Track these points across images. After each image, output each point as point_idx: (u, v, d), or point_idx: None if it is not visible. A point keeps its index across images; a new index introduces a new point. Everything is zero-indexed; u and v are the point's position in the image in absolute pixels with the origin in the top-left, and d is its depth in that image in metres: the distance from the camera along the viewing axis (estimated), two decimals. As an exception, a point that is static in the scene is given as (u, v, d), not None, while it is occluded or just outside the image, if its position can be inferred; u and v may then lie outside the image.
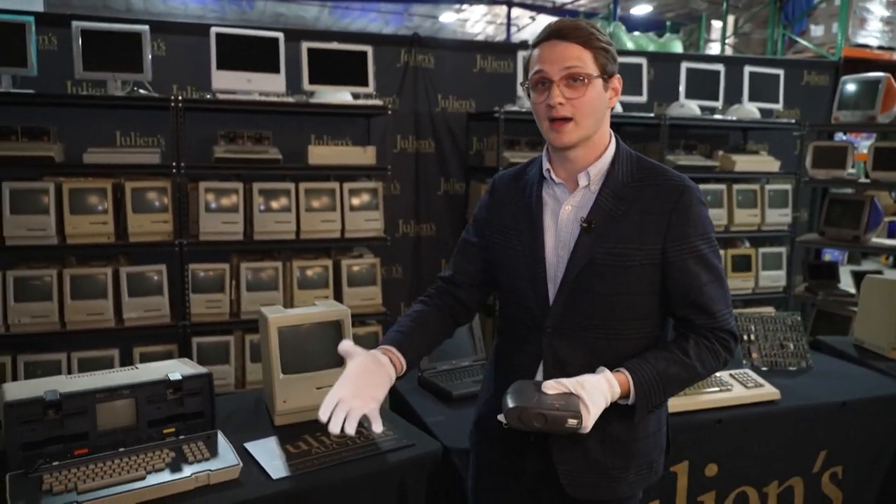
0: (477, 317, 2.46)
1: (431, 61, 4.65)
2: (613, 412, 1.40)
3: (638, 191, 1.44)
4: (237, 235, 3.78)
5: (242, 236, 3.80)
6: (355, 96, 4.02)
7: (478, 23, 15.91)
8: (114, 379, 1.73)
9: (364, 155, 4.00)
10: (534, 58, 1.43)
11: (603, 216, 1.43)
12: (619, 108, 4.50)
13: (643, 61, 4.63)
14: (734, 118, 4.83)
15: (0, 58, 3.40)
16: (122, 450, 1.65)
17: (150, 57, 3.60)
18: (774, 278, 5.01)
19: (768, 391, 2.27)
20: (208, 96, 3.81)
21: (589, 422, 1.31)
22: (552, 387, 1.33)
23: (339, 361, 1.96)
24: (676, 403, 2.14)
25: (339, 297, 3.95)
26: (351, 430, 1.35)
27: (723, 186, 4.82)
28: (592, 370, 1.41)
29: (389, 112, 4.09)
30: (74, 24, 3.49)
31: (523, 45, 5.21)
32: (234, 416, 2.01)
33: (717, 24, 9.73)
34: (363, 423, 1.40)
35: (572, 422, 1.29)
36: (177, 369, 1.80)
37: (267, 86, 3.77)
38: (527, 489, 1.56)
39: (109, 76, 3.56)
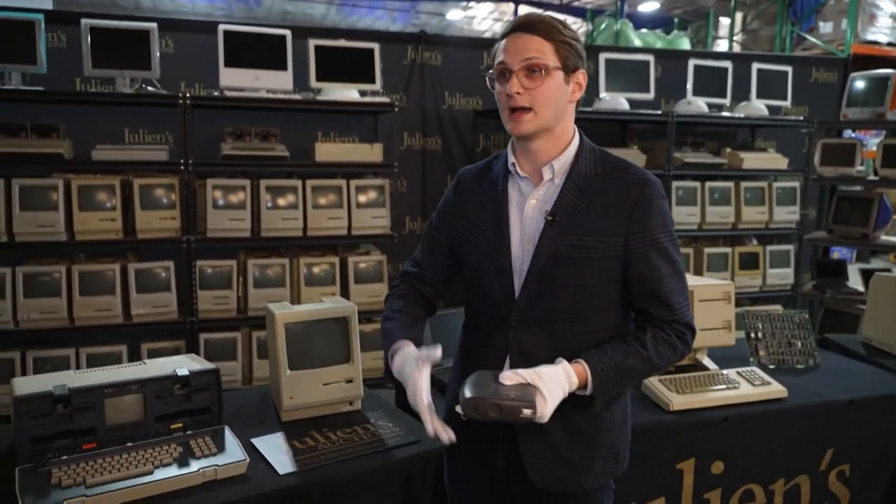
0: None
1: (438, 58, 4.65)
2: (577, 405, 1.42)
3: (601, 184, 1.46)
4: (244, 232, 3.79)
5: (250, 233, 3.81)
6: (362, 93, 4.02)
7: (485, 20, 15.88)
8: (122, 374, 1.74)
9: (371, 152, 4.01)
10: (498, 49, 1.46)
11: (567, 209, 1.45)
12: (625, 105, 4.50)
13: (650, 58, 4.62)
14: (742, 115, 4.82)
15: (10, 55, 3.43)
16: (129, 444, 1.66)
17: (158, 54, 3.62)
18: (782, 276, 4.99)
19: (775, 389, 2.26)
20: (216, 93, 3.82)
21: (546, 412, 1.32)
22: (509, 377, 1.35)
23: (346, 358, 1.98)
24: (683, 401, 2.14)
25: (345, 293, 3.96)
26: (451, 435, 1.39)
27: (730, 184, 4.80)
28: None
29: (396, 109, 4.10)
30: (83, 21, 3.52)
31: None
32: (241, 412, 2.01)
33: (724, 21, 9.68)
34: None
35: (527, 412, 1.31)
36: (184, 365, 1.81)
37: (274, 83, 3.78)
38: (499, 483, 1.57)
39: (118, 73, 3.59)
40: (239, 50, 3.71)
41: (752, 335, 2.66)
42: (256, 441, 1.81)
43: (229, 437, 1.73)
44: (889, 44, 6.42)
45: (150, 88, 3.68)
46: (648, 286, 1.46)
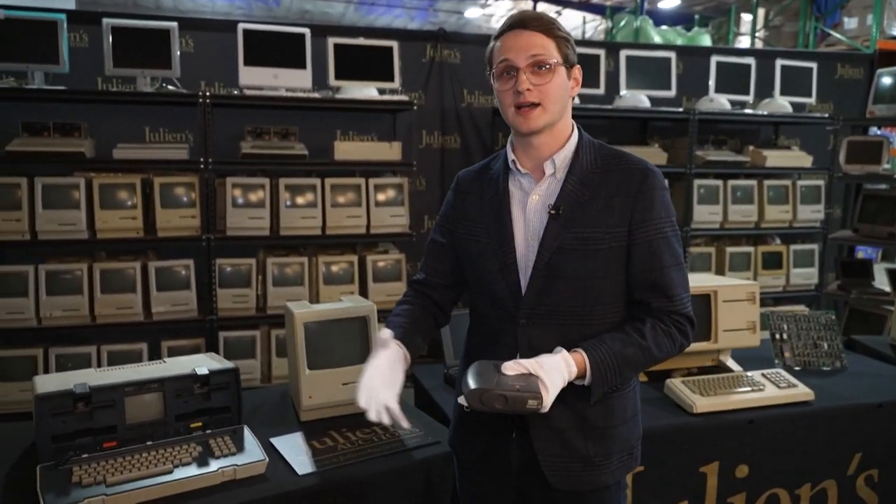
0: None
1: (457, 56, 4.63)
2: (582, 396, 1.42)
3: (603, 176, 1.47)
4: (264, 231, 3.80)
5: (269, 232, 3.82)
6: (381, 92, 4.01)
7: (503, 18, 15.82)
8: (142, 372, 1.75)
9: (390, 150, 4.00)
10: (497, 48, 1.46)
11: (570, 202, 1.45)
12: (646, 103, 4.45)
13: (672, 55, 4.56)
14: (765, 112, 4.74)
15: (33, 55, 3.47)
16: (149, 443, 1.66)
17: (178, 53, 3.64)
18: (806, 276, 4.91)
19: (801, 391, 2.22)
20: (235, 92, 3.84)
21: (547, 401, 1.32)
22: (512, 367, 1.34)
23: (365, 357, 1.97)
24: (707, 403, 2.10)
25: (364, 292, 3.96)
26: (387, 420, 1.40)
27: (753, 182, 4.73)
28: None
29: (415, 107, 4.09)
30: (105, 21, 3.54)
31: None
32: (260, 411, 2.01)
33: (746, 18, 9.57)
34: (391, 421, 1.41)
35: (532, 402, 1.30)
36: (204, 364, 1.81)
37: (293, 81, 3.79)
38: (512, 485, 1.56)
39: (139, 73, 3.61)
40: (258, 49, 3.72)
41: (777, 336, 2.61)
42: (275, 441, 1.80)
43: (248, 437, 1.72)
44: (916, 39, 6.30)
45: (170, 87, 3.70)
46: (650, 275, 1.45)
